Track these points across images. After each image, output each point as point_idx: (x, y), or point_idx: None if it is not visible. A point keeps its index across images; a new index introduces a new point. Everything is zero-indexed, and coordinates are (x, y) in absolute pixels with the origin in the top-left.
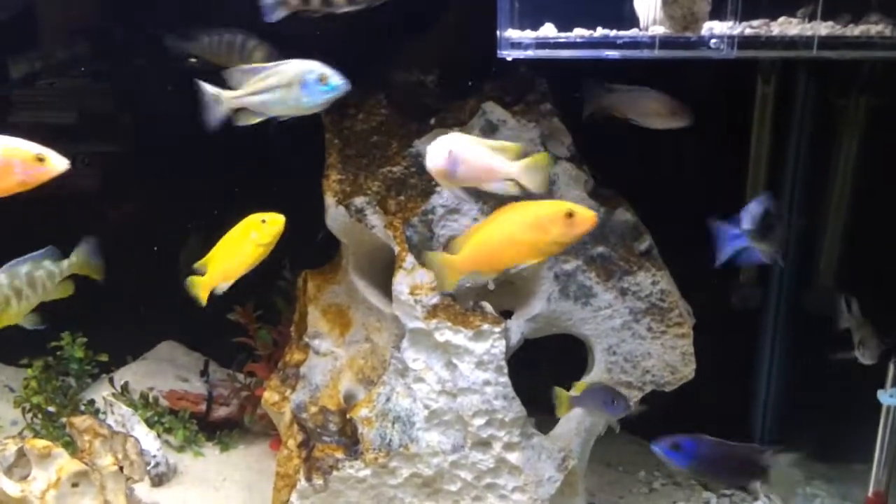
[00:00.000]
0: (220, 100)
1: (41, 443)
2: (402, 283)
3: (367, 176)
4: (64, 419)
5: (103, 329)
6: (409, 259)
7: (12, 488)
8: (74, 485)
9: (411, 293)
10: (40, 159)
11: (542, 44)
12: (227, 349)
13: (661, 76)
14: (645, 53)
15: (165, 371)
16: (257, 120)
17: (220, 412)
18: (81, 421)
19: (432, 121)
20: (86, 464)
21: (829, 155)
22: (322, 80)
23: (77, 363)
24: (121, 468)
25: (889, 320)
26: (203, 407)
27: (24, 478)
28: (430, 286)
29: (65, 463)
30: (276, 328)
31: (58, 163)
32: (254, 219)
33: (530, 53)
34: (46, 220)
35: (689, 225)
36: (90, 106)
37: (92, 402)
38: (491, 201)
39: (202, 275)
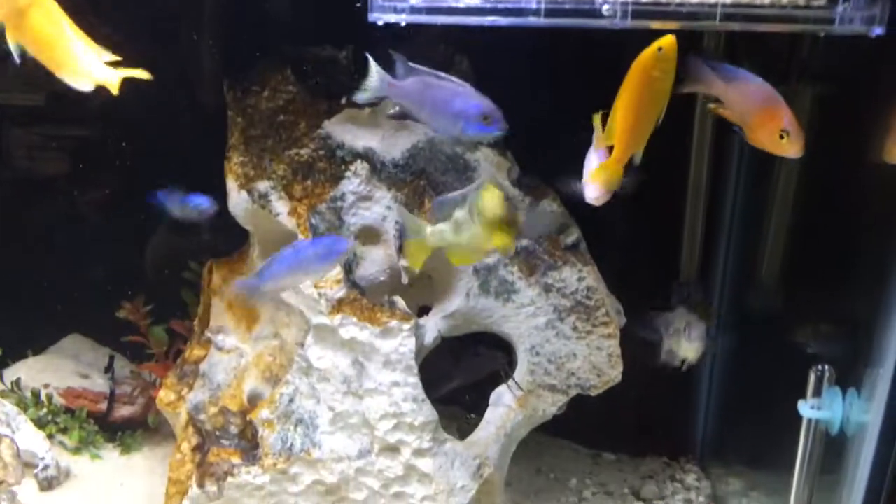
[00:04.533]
0: None
1: None
2: None
3: (272, 159)
4: None
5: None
6: None
7: None
8: None
9: (315, 286)
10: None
11: (418, 8)
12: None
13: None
14: (531, 21)
15: (65, 367)
16: None
17: (123, 412)
18: None
19: (343, 100)
20: None
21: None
22: None
23: None
24: None
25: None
26: (104, 406)
27: None
28: (336, 279)
29: None
30: (184, 323)
31: None
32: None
33: (404, 17)
34: None
35: (622, 218)
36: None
37: None
38: (405, 188)
39: None
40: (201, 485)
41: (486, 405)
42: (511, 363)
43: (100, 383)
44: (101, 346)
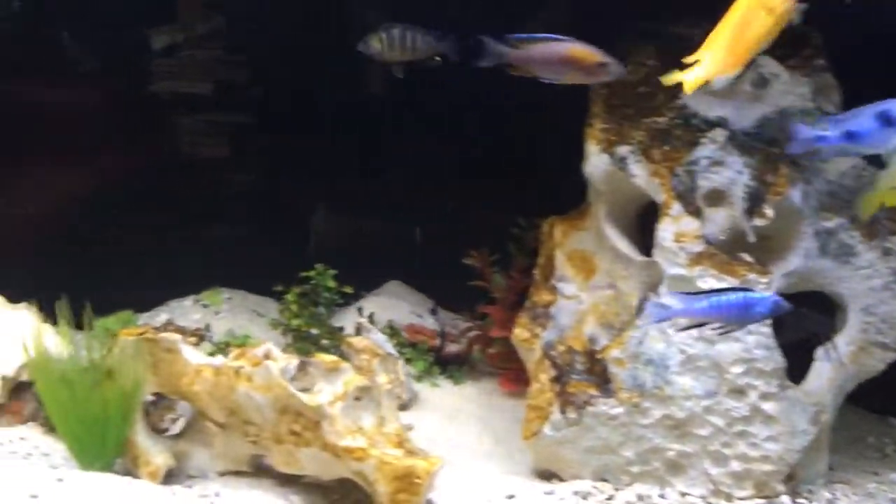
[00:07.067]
0: None
1: (330, 358)
2: (666, 229)
3: (631, 126)
4: (325, 341)
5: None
6: (676, 207)
7: (309, 399)
8: (357, 398)
9: (676, 240)
10: None
11: None
12: (446, 291)
13: None
14: None
15: (401, 306)
16: None
17: (451, 348)
18: (359, 341)
19: None
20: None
21: None
22: None
23: (328, 292)
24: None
25: None
26: (437, 342)
27: (304, 390)
28: (696, 234)
29: (351, 377)
30: (508, 273)
31: None
32: None
33: None
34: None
35: None
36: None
37: (341, 328)
38: (756, 155)
39: None
40: (563, 411)
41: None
42: (832, 326)
43: (430, 322)
44: (417, 292)
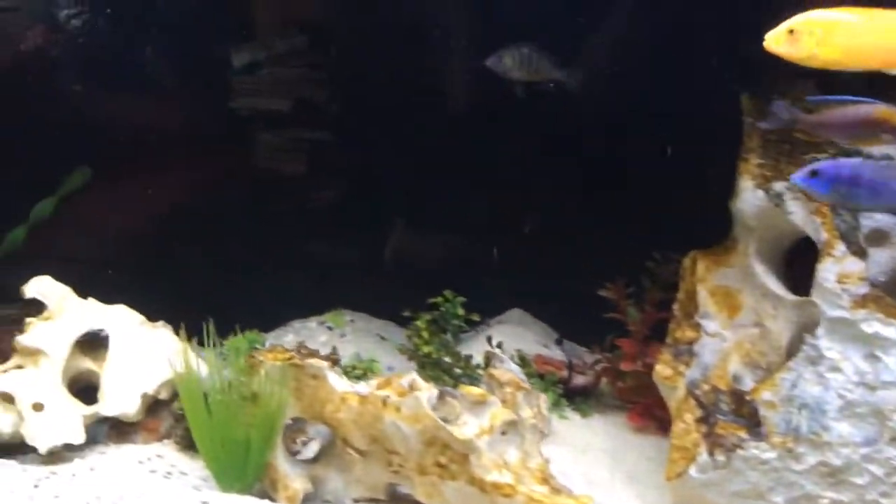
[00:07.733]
0: None
1: (477, 391)
2: (829, 270)
3: (788, 162)
4: (457, 370)
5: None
6: (840, 247)
7: (458, 432)
8: (503, 433)
9: (839, 281)
10: None
11: None
12: (565, 321)
13: None
14: None
15: (526, 336)
16: None
17: (578, 380)
18: (502, 373)
19: None
20: None
21: None
22: None
23: (457, 319)
24: None
25: None
26: (565, 373)
27: (444, 420)
28: (860, 275)
29: (497, 411)
30: (640, 306)
31: None
32: None
33: None
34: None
35: None
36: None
37: (470, 356)
38: None
39: None
40: (711, 453)
41: None
42: None
43: (557, 353)
44: (539, 321)
